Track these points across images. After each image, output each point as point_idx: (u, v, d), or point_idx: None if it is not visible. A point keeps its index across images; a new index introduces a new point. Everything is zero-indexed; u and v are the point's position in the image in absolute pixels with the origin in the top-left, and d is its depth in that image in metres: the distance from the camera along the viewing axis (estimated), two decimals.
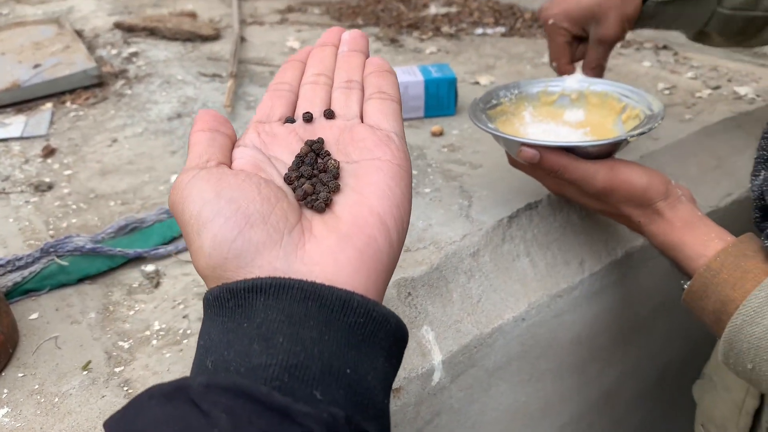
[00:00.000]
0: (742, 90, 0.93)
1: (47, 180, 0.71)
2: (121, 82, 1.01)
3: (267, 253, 0.27)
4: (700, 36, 0.71)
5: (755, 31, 0.66)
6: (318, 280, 0.27)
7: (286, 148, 0.35)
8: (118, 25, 1.24)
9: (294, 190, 0.32)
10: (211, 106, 0.91)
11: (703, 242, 0.51)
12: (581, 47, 0.71)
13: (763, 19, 0.64)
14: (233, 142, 0.35)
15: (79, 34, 1.21)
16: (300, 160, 0.33)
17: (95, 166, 0.75)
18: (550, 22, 0.68)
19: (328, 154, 0.34)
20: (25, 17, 1.33)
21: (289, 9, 1.41)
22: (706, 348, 0.70)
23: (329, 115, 0.37)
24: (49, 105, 0.93)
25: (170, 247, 0.58)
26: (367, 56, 0.41)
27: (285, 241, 0.28)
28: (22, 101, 0.93)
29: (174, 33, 1.20)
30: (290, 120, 0.37)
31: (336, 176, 0.32)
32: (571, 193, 0.58)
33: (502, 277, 0.61)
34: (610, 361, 0.76)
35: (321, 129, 0.36)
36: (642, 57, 1.09)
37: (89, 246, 0.54)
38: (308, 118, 0.36)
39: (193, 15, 1.33)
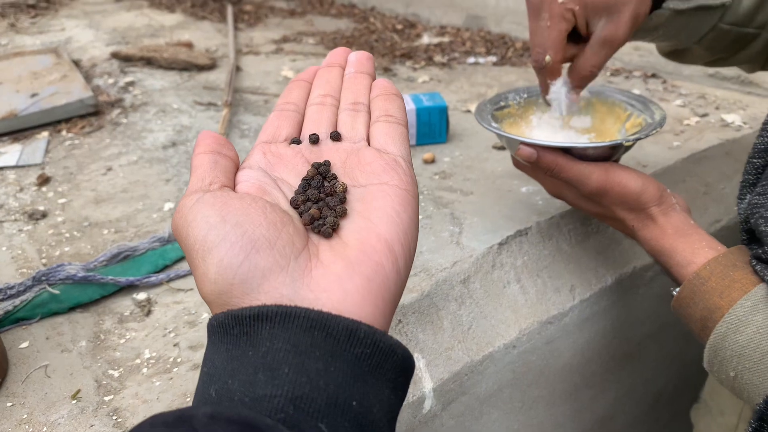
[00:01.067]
0: (729, 117, 0.95)
1: (41, 208, 0.72)
2: (117, 111, 1.02)
3: (273, 279, 0.27)
4: (677, 52, 0.67)
5: (738, 49, 0.65)
6: (325, 308, 0.26)
7: (292, 169, 0.34)
8: (115, 55, 1.26)
9: (300, 214, 0.31)
10: None
11: (693, 250, 0.52)
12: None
13: (751, 36, 0.63)
14: (236, 165, 0.34)
15: (76, 63, 1.23)
16: (306, 183, 0.33)
17: (90, 194, 0.76)
18: (560, 0, 0.57)
19: (335, 177, 0.33)
20: (24, 47, 1.35)
21: (284, 39, 1.43)
22: (700, 373, 0.70)
23: (336, 137, 0.36)
24: (45, 134, 0.93)
25: (162, 276, 0.58)
26: (374, 78, 0.40)
27: (292, 266, 0.28)
28: (18, 130, 0.94)
29: (170, 62, 1.22)
30: (296, 141, 0.36)
31: (343, 200, 0.32)
32: (568, 195, 0.59)
33: (493, 304, 0.61)
34: (603, 387, 0.76)
35: (327, 151, 0.35)
36: (631, 85, 1.11)
37: (81, 274, 0.54)
38: (315, 139, 0.36)
39: (189, 45, 1.35)
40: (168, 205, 0.72)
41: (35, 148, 0.89)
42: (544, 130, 0.64)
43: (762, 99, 1.02)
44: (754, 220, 0.50)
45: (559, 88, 0.59)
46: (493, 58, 1.25)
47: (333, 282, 0.27)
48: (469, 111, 0.99)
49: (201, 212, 0.29)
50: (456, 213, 0.69)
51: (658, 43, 0.66)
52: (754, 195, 0.51)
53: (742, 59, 0.66)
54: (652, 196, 0.54)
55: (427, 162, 0.82)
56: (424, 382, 0.54)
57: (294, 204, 0.32)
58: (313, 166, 0.34)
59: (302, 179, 0.33)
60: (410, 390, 0.52)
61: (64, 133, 0.94)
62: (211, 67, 1.22)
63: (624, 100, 0.64)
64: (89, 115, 1.00)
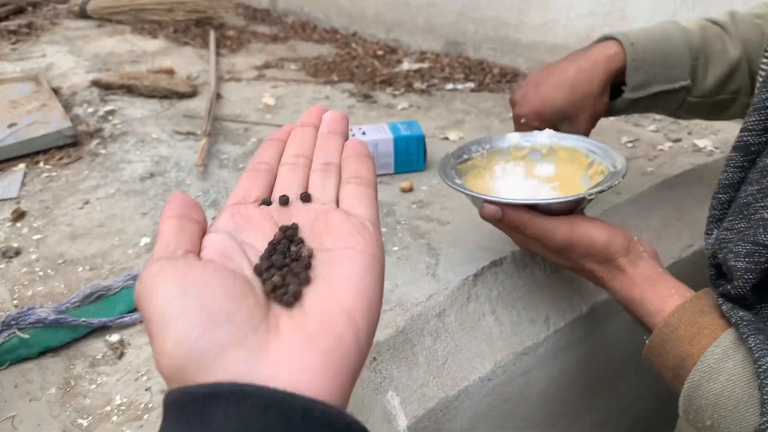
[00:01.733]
0: (701, 142, 0.96)
1: (15, 245, 0.71)
2: (95, 141, 1.02)
3: (230, 355, 0.27)
4: (674, 114, 0.74)
5: (723, 109, 0.69)
6: (281, 385, 0.26)
7: (260, 231, 0.34)
8: (95, 83, 1.26)
9: (263, 282, 0.31)
10: (184, 165, 0.92)
11: (662, 298, 0.52)
12: None
13: (729, 100, 0.68)
14: (203, 228, 0.34)
15: (56, 91, 1.22)
16: (273, 247, 0.33)
17: (65, 229, 0.75)
18: (522, 121, 0.70)
19: (302, 242, 0.33)
20: (3, 74, 1.35)
21: (266, 65, 1.44)
22: (676, 400, 0.70)
23: (306, 198, 0.37)
24: (21, 166, 0.93)
25: (135, 315, 0.58)
26: (346, 138, 0.42)
27: (250, 341, 0.27)
28: None
29: (151, 90, 1.22)
30: (266, 202, 0.37)
31: (308, 266, 0.32)
32: (535, 248, 0.60)
33: (468, 337, 0.61)
34: (580, 415, 0.76)
35: (297, 212, 0.36)
36: None
37: (52, 317, 0.54)
38: (284, 201, 0.37)
39: (170, 71, 1.35)
40: (144, 240, 0.72)
41: (11, 181, 0.88)
42: (509, 180, 0.65)
43: (733, 124, 1.04)
44: (723, 255, 0.50)
45: (541, 140, 0.69)
46: (471, 84, 1.26)
47: (291, 357, 0.27)
48: (446, 138, 1.00)
49: (161, 283, 0.29)
50: (432, 243, 0.70)
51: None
52: (721, 230, 0.52)
53: (736, 114, 0.69)
54: (619, 247, 0.55)
55: (404, 190, 0.83)
56: (399, 420, 0.54)
57: (257, 271, 0.32)
58: (280, 229, 0.34)
59: (269, 243, 0.33)
60: (384, 429, 0.53)
61: (41, 164, 0.94)
62: (191, 94, 1.23)
63: (585, 146, 0.64)
64: (67, 146, 0.99)
